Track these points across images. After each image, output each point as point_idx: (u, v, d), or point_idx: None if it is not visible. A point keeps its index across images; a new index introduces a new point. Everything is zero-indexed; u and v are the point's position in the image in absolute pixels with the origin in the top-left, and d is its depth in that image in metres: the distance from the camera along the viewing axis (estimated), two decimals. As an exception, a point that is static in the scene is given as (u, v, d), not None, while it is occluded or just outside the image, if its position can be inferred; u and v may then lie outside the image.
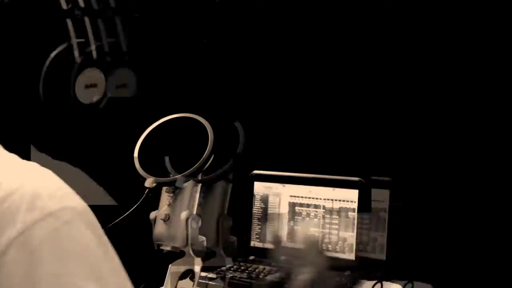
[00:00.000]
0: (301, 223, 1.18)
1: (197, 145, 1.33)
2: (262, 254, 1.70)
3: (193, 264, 1.39)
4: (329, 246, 1.62)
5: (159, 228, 1.36)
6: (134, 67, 1.96)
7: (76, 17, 0.74)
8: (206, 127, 1.35)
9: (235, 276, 1.58)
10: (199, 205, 1.35)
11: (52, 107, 0.77)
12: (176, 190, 1.36)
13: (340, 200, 1.62)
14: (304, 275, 1.11)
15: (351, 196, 1.60)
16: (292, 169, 1.71)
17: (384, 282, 1.52)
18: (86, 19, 0.75)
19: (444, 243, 1.66)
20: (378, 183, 1.61)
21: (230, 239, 1.34)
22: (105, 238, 0.63)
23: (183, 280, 1.45)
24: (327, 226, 1.63)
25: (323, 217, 1.63)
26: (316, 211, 1.65)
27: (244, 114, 1.90)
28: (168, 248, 1.38)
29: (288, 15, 1.82)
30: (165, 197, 1.37)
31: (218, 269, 1.61)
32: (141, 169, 1.35)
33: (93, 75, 0.77)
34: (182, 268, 1.41)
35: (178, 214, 1.35)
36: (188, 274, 1.43)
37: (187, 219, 1.34)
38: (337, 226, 1.61)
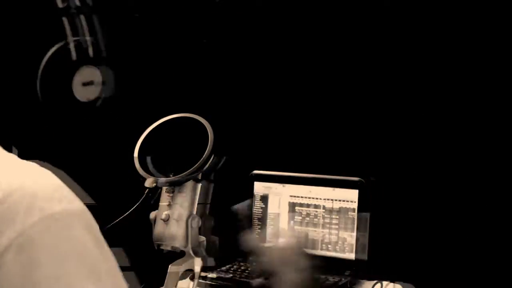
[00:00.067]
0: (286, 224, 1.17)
1: (197, 145, 1.33)
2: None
3: (193, 264, 1.38)
4: (329, 246, 1.62)
5: (159, 228, 1.36)
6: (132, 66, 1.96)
7: (72, 15, 0.74)
8: (206, 127, 1.35)
9: (235, 276, 1.58)
10: (168, 205, 1.35)
11: (50, 105, 0.78)
12: (176, 190, 1.36)
13: (340, 200, 1.62)
14: (287, 276, 1.10)
15: (351, 196, 1.60)
16: (292, 169, 1.71)
17: (384, 282, 1.52)
18: (82, 17, 0.75)
19: (426, 243, 1.66)
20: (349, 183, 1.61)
21: (211, 239, 1.34)
22: (102, 239, 0.63)
23: (183, 280, 1.45)
24: (327, 226, 1.63)
25: (323, 217, 1.63)
26: (316, 211, 1.65)
27: (244, 114, 1.90)
28: (168, 248, 1.38)
29: (288, 15, 1.82)
30: (165, 197, 1.37)
31: (218, 269, 1.61)
32: (141, 169, 1.35)
33: (90, 72, 0.77)
34: (182, 268, 1.41)
35: (178, 214, 1.35)
36: (188, 274, 1.43)
37: (187, 219, 1.34)
38: (337, 226, 1.61)
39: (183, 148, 1.36)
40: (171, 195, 1.36)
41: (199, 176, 1.36)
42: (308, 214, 1.66)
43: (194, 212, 1.36)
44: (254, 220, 1.72)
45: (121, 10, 1.90)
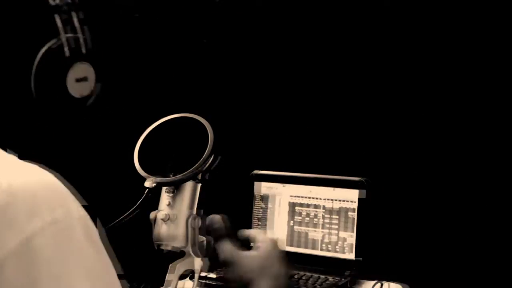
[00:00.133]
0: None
1: (197, 145, 1.33)
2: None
3: (193, 264, 1.38)
4: (329, 246, 1.62)
5: (159, 228, 1.36)
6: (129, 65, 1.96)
7: (64, 12, 0.74)
8: (206, 127, 1.35)
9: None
10: (168, 205, 1.35)
11: (45, 102, 0.77)
12: (176, 190, 1.35)
13: (340, 200, 1.61)
14: (266, 283, 1.07)
15: (351, 196, 1.60)
16: (292, 169, 1.71)
17: (384, 282, 1.52)
18: (73, 14, 0.75)
19: (426, 243, 1.66)
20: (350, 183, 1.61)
21: (199, 239, 1.33)
22: (101, 245, 0.63)
23: (183, 280, 1.45)
24: (327, 226, 1.63)
25: (323, 217, 1.63)
26: (316, 211, 1.64)
27: (245, 114, 1.90)
28: (168, 248, 1.38)
29: (288, 16, 1.82)
30: (165, 197, 1.36)
31: (218, 269, 1.61)
32: (141, 169, 1.35)
33: (83, 69, 0.77)
34: (182, 268, 1.40)
35: (178, 214, 1.35)
36: (188, 274, 1.43)
37: (187, 219, 1.34)
38: (337, 226, 1.61)
39: (183, 148, 1.36)
40: (171, 195, 1.35)
41: (199, 176, 1.35)
42: (308, 214, 1.66)
43: (194, 212, 1.36)
44: (254, 220, 1.72)
45: (121, 11, 1.90)
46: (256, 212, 1.72)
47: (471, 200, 1.62)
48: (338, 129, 1.79)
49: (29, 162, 0.63)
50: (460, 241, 1.63)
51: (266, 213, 1.71)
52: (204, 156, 1.31)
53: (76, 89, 0.80)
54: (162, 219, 1.34)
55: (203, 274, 1.47)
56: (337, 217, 1.61)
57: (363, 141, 1.75)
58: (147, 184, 1.32)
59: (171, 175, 1.34)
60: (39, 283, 0.56)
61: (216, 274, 1.58)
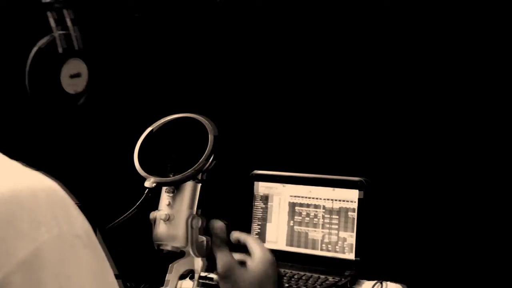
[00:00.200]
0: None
1: (197, 145, 1.33)
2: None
3: (193, 264, 1.38)
4: (329, 246, 1.62)
5: (159, 228, 1.36)
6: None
7: (56, 9, 0.74)
8: (206, 127, 1.35)
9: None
10: (168, 205, 1.35)
11: (40, 98, 0.77)
12: (176, 190, 1.36)
13: (340, 200, 1.61)
14: None
15: (351, 196, 1.60)
16: (292, 169, 1.71)
17: (384, 282, 1.52)
18: (65, 12, 0.75)
19: (427, 243, 1.66)
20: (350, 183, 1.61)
21: (199, 239, 1.33)
22: (103, 256, 0.62)
23: (183, 280, 1.45)
24: (327, 226, 1.63)
25: (323, 217, 1.63)
26: (316, 211, 1.64)
27: (244, 114, 1.90)
28: (168, 248, 1.38)
29: (288, 16, 1.82)
30: (165, 197, 1.36)
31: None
32: (141, 169, 1.35)
33: (76, 65, 0.77)
34: (182, 268, 1.40)
35: (178, 214, 1.35)
36: (188, 274, 1.43)
37: (187, 219, 1.34)
38: (337, 226, 1.61)
39: (183, 148, 1.36)
40: (171, 195, 1.35)
41: (199, 176, 1.35)
42: (308, 214, 1.66)
43: (194, 212, 1.36)
44: (254, 220, 1.73)
45: (121, 11, 1.90)
46: (256, 212, 1.72)
47: (471, 200, 1.62)
48: (338, 129, 1.79)
49: (32, 169, 0.61)
50: (460, 241, 1.63)
51: (266, 213, 1.71)
52: (204, 156, 1.31)
53: (70, 85, 0.80)
54: (162, 219, 1.34)
55: (203, 274, 1.47)
56: (337, 217, 1.61)
57: (363, 142, 1.75)
58: (147, 184, 1.32)
59: (171, 175, 1.34)
60: None
61: (216, 274, 1.58)
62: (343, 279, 1.53)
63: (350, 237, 1.59)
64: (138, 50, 1.96)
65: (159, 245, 1.38)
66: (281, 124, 1.87)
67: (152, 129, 1.40)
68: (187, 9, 1.93)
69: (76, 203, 0.62)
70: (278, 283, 1.08)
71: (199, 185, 1.35)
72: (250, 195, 1.73)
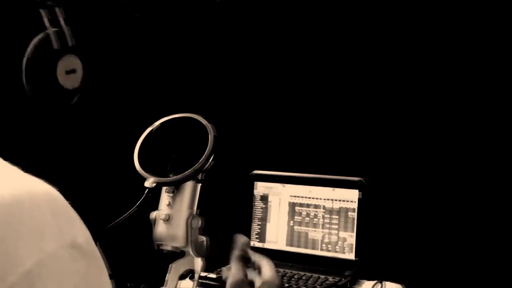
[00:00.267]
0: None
1: (197, 145, 1.33)
2: (262, 254, 1.70)
3: (193, 264, 1.38)
4: (329, 246, 1.62)
5: (159, 228, 1.36)
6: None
7: (48, 7, 0.74)
8: (206, 127, 1.35)
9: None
10: (168, 205, 1.35)
11: (37, 95, 0.77)
12: (176, 190, 1.36)
13: (340, 200, 1.62)
14: None
15: (351, 196, 1.60)
16: (292, 169, 1.71)
17: (384, 282, 1.52)
18: (57, 9, 0.76)
19: (427, 243, 1.66)
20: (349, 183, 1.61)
21: (199, 239, 1.34)
22: (103, 265, 0.61)
23: (183, 280, 1.45)
24: (327, 226, 1.63)
25: (323, 217, 1.63)
26: (316, 211, 1.65)
27: (244, 114, 1.90)
28: (168, 248, 1.38)
29: (288, 16, 1.82)
30: (165, 197, 1.37)
31: (218, 269, 1.61)
32: (141, 169, 1.35)
33: (71, 61, 0.78)
34: (182, 268, 1.40)
35: (178, 214, 1.35)
36: (188, 274, 1.43)
37: (187, 219, 1.34)
38: (337, 226, 1.61)
39: (183, 148, 1.36)
40: (171, 195, 1.36)
41: (200, 176, 1.35)
42: (308, 214, 1.66)
43: (194, 212, 1.36)
44: (254, 220, 1.73)
45: (122, 11, 1.90)
46: (256, 212, 1.72)
47: (471, 201, 1.62)
48: (338, 129, 1.79)
49: (32, 176, 0.60)
50: (461, 241, 1.63)
51: (266, 213, 1.71)
52: (204, 156, 1.31)
53: (66, 81, 0.80)
54: (162, 219, 1.34)
55: (203, 274, 1.47)
56: (337, 217, 1.61)
57: (363, 142, 1.75)
58: (147, 184, 1.32)
59: (171, 175, 1.34)
60: None
61: (216, 274, 1.58)
62: (343, 279, 1.53)
63: (350, 237, 1.59)
64: (138, 50, 1.96)
65: (159, 245, 1.38)
66: (281, 124, 1.87)
67: (152, 129, 1.40)
68: (187, 9, 1.93)
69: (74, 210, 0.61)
70: None
71: (199, 185, 1.35)
72: (250, 195, 1.73)
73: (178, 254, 1.40)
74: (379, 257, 1.63)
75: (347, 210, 1.60)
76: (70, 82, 0.79)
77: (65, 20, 0.76)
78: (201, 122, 1.36)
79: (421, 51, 1.66)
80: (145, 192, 1.33)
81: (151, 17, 1.95)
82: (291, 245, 1.67)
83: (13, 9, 0.71)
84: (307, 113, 1.84)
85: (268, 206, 1.71)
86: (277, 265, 1.63)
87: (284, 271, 1.60)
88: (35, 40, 0.75)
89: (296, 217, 1.67)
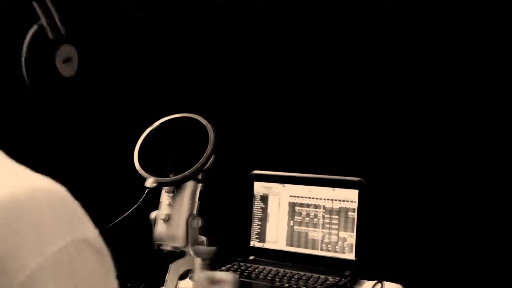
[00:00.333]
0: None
1: (197, 145, 1.33)
2: (262, 254, 1.70)
3: (192, 264, 1.38)
4: (329, 246, 1.62)
5: (159, 228, 1.36)
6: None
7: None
8: (206, 127, 1.35)
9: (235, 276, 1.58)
10: (168, 205, 1.35)
11: (38, 85, 0.78)
12: (176, 190, 1.36)
13: (340, 200, 1.62)
14: None
15: (351, 196, 1.60)
16: (292, 169, 1.71)
17: (384, 282, 1.52)
18: (48, 1, 0.76)
19: (427, 243, 1.66)
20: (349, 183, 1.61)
21: (199, 239, 1.34)
22: (110, 263, 0.61)
23: (183, 280, 1.46)
24: (327, 226, 1.63)
25: (323, 217, 1.63)
26: (316, 211, 1.65)
27: (244, 114, 1.90)
28: (168, 248, 1.38)
29: (288, 16, 1.82)
30: (165, 197, 1.37)
31: (218, 269, 1.61)
32: (141, 169, 1.35)
33: (67, 50, 0.78)
34: (182, 268, 1.40)
35: (178, 214, 1.35)
36: (188, 274, 1.43)
37: (187, 219, 1.34)
38: (337, 226, 1.61)
39: (183, 148, 1.36)
40: (171, 195, 1.36)
41: (200, 176, 1.35)
42: (308, 214, 1.66)
43: (194, 212, 1.36)
44: (254, 220, 1.73)
45: (122, 11, 1.90)
46: (256, 212, 1.72)
47: (471, 201, 1.62)
48: (338, 130, 1.79)
49: (37, 173, 0.60)
50: (461, 242, 1.63)
51: (266, 213, 1.71)
52: (205, 156, 1.31)
53: (64, 70, 0.80)
54: (162, 219, 1.34)
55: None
56: (337, 217, 1.61)
57: (363, 142, 1.75)
58: (148, 184, 1.32)
59: (171, 175, 1.34)
60: None
61: None
62: (343, 279, 1.53)
63: (350, 237, 1.59)
64: (138, 50, 1.96)
65: (159, 245, 1.38)
66: (280, 125, 1.87)
67: (152, 129, 1.40)
68: (187, 9, 1.93)
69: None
70: None
71: (200, 185, 1.35)
72: (249, 195, 1.73)
73: (178, 254, 1.40)
74: (379, 257, 1.63)
75: (347, 210, 1.60)
76: (67, 70, 0.80)
77: (57, 11, 0.76)
78: (201, 122, 1.36)
79: (420, 54, 1.66)
80: (145, 192, 1.33)
81: (151, 17, 1.95)
82: (291, 245, 1.67)
83: (4, 2, 0.71)
84: (307, 114, 1.84)
85: (268, 206, 1.71)
86: (277, 265, 1.64)
87: (284, 271, 1.60)
88: (31, 32, 0.75)
89: (296, 217, 1.67)
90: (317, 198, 1.65)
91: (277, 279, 1.55)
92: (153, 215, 1.37)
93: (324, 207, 1.64)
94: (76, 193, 0.61)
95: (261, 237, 1.71)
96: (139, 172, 1.35)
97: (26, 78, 0.75)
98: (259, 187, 1.73)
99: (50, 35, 0.76)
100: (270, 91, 1.88)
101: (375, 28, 1.71)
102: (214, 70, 1.94)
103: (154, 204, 1.38)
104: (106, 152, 1.87)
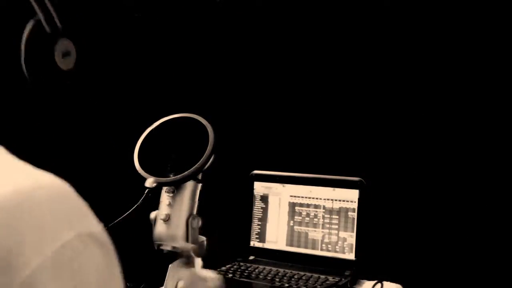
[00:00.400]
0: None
1: (197, 145, 1.33)
2: (262, 254, 1.70)
3: (193, 264, 1.38)
4: (329, 246, 1.62)
5: (159, 228, 1.36)
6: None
7: None
8: (206, 127, 1.35)
9: (235, 276, 1.58)
10: (168, 205, 1.35)
11: (38, 81, 0.77)
12: (176, 190, 1.35)
13: (340, 200, 1.62)
14: None
15: (351, 196, 1.60)
16: (292, 169, 1.71)
17: (384, 282, 1.52)
18: None
19: (427, 243, 1.66)
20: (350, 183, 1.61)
21: (199, 239, 1.33)
22: (115, 259, 0.60)
23: (183, 280, 1.45)
24: (327, 226, 1.63)
25: (323, 217, 1.63)
26: (316, 211, 1.65)
27: (244, 114, 1.90)
28: (168, 248, 1.38)
29: (288, 16, 1.82)
30: (165, 197, 1.36)
31: (218, 269, 1.61)
32: (141, 169, 1.35)
33: (65, 44, 0.78)
34: (182, 268, 1.40)
35: (178, 214, 1.35)
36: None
37: (187, 219, 1.34)
38: (337, 226, 1.61)
39: (183, 148, 1.36)
40: (171, 195, 1.35)
41: (199, 176, 1.35)
42: (308, 214, 1.66)
43: (195, 212, 1.36)
44: (254, 220, 1.73)
45: (122, 11, 1.90)
46: (256, 212, 1.72)
47: (471, 202, 1.62)
48: (338, 130, 1.79)
49: (39, 169, 0.59)
50: (461, 242, 1.63)
51: (266, 213, 1.71)
52: (204, 156, 1.31)
53: (64, 64, 0.80)
54: (162, 219, 1.34)
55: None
56: (337, 217, 1.61)
57: (363, 142, 1.75)
58: (147, 184, 1.32)
59: (171, 175, 1.33)
60: None
61: (216, 274, 1.58)
62: (343, 279, 1.53)
63: (350, 237, 1.59)
64: (138, 50, 1.96)
65: (159, 245, 1.38)
66: (280, 125, 1.87)
67: (152, 129, 1.40)
68: (187, 9, 1.93)
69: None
70: None
71: (199, 185, 1.35)
72: (249, 195, 1.73)
73: (178, 254, 1.40)
74: (378, 257, 1.62)
75: (347, 210, 1.60)
76: (66, 64, 0.80)
77: (53, 6, 0.76)
78: (201, 122, 1.36)
79: (419, 54, 1.66)
80: (145, 192, 1.33)
81: (151, 17, 1.95)
82: (291, 245, 1.67)
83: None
84: (307, 114, 1.84)
85: (268, 206, 1.71)
86: (277, 265, 1.64)
87: (284, 271, 1.60)
88: (28, 28, 0.75)
89: (296, 217, 1.67)
90: (317, 198, 1.65)
91: (277, 279, 1.55)
92: (153, 215, 1.36)
93: (324, 207, 1.64)
94: (76, 193, 0.61)
95: (261, 237, 1.71)
96: (139, 172, 1.35)
97: (25, 73, 0.75)
98: (259, 187, 1.73)
99: (47, 29, 0.76)
100: (270, 91, 1.88)
101: (375, 28, 1.71)
102: (214, 70, 1.94)
103: (154, 204, 1.38)
104: (106, 152, 1.87)
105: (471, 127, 1.62)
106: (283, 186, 1.70)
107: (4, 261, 0.52)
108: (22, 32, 0.75)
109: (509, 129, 1.58)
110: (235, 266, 1.64)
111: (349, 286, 1.52)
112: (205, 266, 1.39)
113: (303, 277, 1.56)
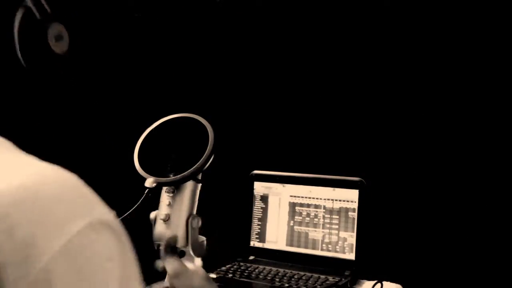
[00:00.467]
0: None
1: (197, 145, 1.33)
2: (262, 254, 1.70)
3: (192, 264, 1.38)
4: (329, 246, 1.62)
5: (159, 228, 1.36)
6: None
7: None
8: (206, 127, 1.34)
9: (235, 276, 1.58)
10: (168, 205, 1.35)
11: (35, 67, 0.77)
12: (176, 190, 1.35)
13: (340, 200, 1.61)
14: None
15: (351, 196, 1.60)
16: (292, 169, 1.71)
17: (384, 282, 1.52)
18: None
19: (427, 243, 1.66)
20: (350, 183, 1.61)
21: (199, 239, 1.33)
22: (128, 245, 0.61)
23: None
24: (327, 226, 1.63)
25: (323, 217, 1.63)
26: (316, 211, 1.64)
27: (244, 115, 1.90)
28: (168, 248, 1.38)
29: (288, 16, 1.82)
30: (165, 197, 1.36)
31: (218, 269, 1.61)
32: (141, 169, 1.34)
33: (57, 28, 0.79)
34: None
35: (178, 214, 1.35)
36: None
37: (187, 219, 1.34)
38: (337, 226, 1.61)
39: (183, 148, 1.36)
40: (171, 195, 1.35)
41: (199, 176, 1.35)
42: (308, 214, 1.66)
43: (194, 212, 1.36)
44: (254, 220, 1.73)
45: (122, 11, 1.90)
46: (256, 212, 1.72)
47: (471, 202, 1.62)
48: (338, 130, 1.79)
49: (48, 163, 0.60)
50: (462, 243, 1.63)
51: (266, 213, 1.71)
52: (204, 156, 1.31)
53: (57, 47, 0.80)
54: (162, 219, 1.34)
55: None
56: (337, 217, 1.61)
57: (363, 142, 1.75)
58: (147, 184, 1.32)
59: (171, 175, 1.33)
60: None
61: (216, 274, 1.58)
62: (343, 279, 1.53)
63: (350, 237, 1.59)
64: (138, 50, 1.96)
65: (159, 245, 1.38)
66: (280, 125, 1.87)
67: (152, 129, 1.40)
68: (187, 9, 1.93)
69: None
70: None
71: (199, 185, 1.35)
72: (249, 195, 1.73)
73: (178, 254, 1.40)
74: (378, 257, 1.62)
75: (347, 210, 1.60)
76: (60, 47, 0.80)
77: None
78: (201, 122, 1.36)
79: (419, 54, 1.66)
80: (145, 192, 1.33)
81: (151, 17, 1.95)
82: (291, 245, 1.67)
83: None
84: (307, 114, 1.84)
85: (268, 206, 1.71)
86: (277, 265, 1.64)
87: (284, 271, 1.60)
88: (18, 15, 0.75)
89: (296, 217, 1.67)
90: (317, 198, 1.65)
91: (277, 279, 1.55)
92: (152, 215, 1.36)
93: (324, 207, 1.64)
94: (84, 183, 0.61)
95: (261, 237, 1.71)
96: (139, 172, 1.35)
97: (21, 60, 0.75)
98: (259, 187, 1.73)
99: (37, 15, 0.77)
100: (270, 91, 1.88)
101: (375, 28, 1.71)
102: (214, 70, 1.94)
103: (154, 204, 1.38)
104: (106, 152, 1.87)
105: (470, 127, 1.62)
106: (283, 186, 1.70)
107: (19, 254, 0.52)
108: (13, 20, 0.75)
109: (509, 129, 1.58)
110: (235, 266, 1.64)
111: (349, 286, 1.52)
112: (205, 266, 1.39)
113: (303, 277, 1.56)
